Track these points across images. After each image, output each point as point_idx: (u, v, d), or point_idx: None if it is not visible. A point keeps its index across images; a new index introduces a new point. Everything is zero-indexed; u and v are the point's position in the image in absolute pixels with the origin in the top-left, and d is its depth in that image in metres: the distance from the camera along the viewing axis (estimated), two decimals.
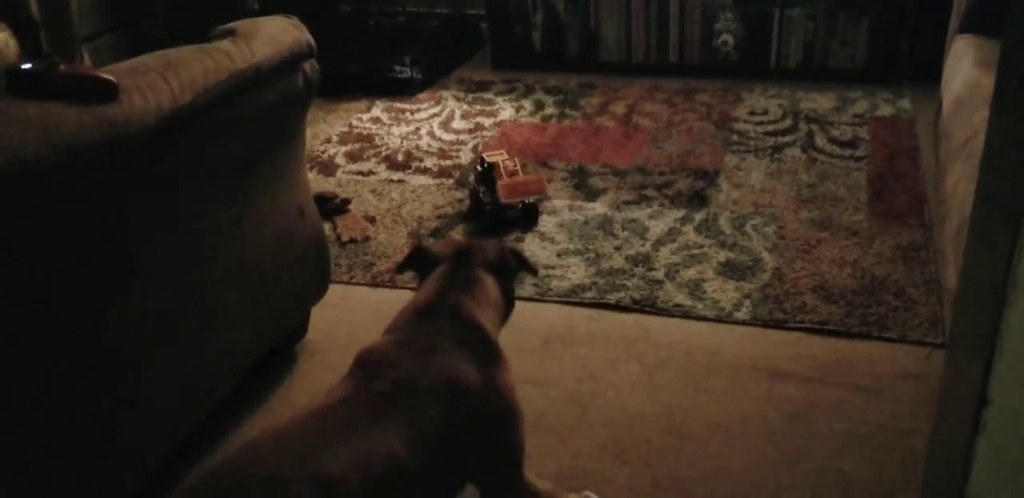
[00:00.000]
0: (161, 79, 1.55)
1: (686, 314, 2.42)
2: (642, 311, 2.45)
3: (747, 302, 2.44)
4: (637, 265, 2.64)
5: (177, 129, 1.57)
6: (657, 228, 2.84)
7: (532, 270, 1.85)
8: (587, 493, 1.83)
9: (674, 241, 2.76)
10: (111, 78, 1.46)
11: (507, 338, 2.37)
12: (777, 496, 1.83)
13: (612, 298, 2.50)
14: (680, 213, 2.92)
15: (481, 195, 2.92)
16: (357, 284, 2.64)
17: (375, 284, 2.63)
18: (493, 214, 2.88)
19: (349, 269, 2.70)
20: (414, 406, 1.43)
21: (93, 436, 1.59)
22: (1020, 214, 0.92)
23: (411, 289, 2.61)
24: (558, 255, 2.72)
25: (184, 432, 1.84)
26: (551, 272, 2.63)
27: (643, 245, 2.74)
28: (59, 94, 1.39)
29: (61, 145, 1.35)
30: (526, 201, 2.89)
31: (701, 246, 2.73)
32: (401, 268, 1.81)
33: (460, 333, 1.58)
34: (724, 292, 2.50)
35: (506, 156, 2.95)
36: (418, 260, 1.78)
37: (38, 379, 1.47)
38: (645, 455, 1.95)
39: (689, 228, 2.83)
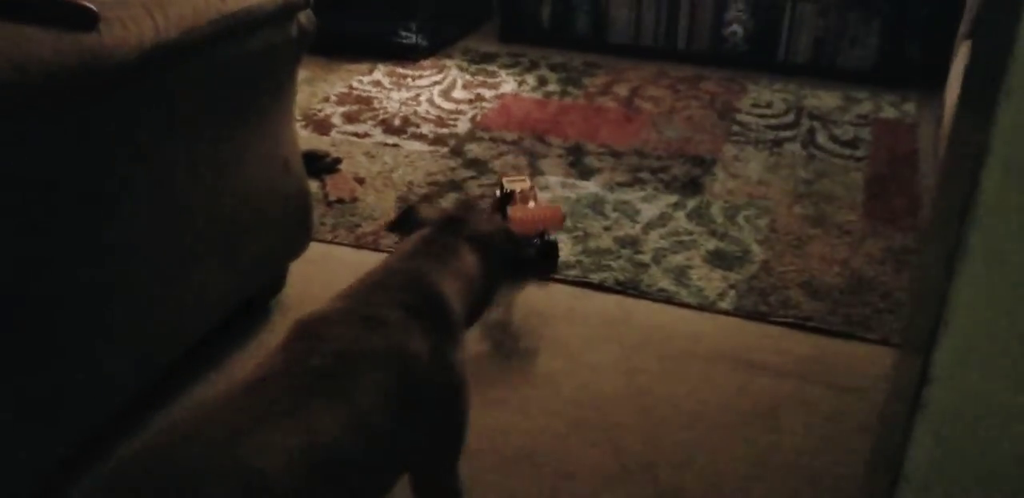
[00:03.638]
0: (147, 14, 1.50)
1: (669, 299, 2.39)
2: (625, 293, 2.41)
3: (732, 292, 2.41)
4: (624, 247, 2.61)
5: (160, 66, 1.52)
6: (648, 211, 2.80)
7: (524, 263, 1.70)
8: None
9: (664, 226, 2.72)
10: (91, 6, 1.41)
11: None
12: (744, 488, 1.81)
13: (596, 278, 2.46)
14: (673, 198, 2.88)
15: None
16: (340, 244, 2.59)
17: (358, 245, 2.59)
18: None
19: (333, 228, 2.66)
20: (354, 386, 1.28)
21: (60, 372, 1.55)
22: (965, 209, 0.91)
23: None
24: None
25: (152, 379, 1.81)
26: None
27: (633, 227, 2.71)
28: (35, 18, 1.34)
29: (34, 70, 1.30)
30: (545, 237, 2.46)
31: (691, 233, 2.69)
32: (391, 228, 1.73)
33: (418, 304, 1.42)
34: (710, 280, 2.47)
35: (528, 183, 2.55)
36: (408, 221, 1.68)
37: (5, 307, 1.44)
38: (614, 437, 1.92)
39: (681, 214, 2.79)
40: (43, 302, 1.49)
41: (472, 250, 1.58)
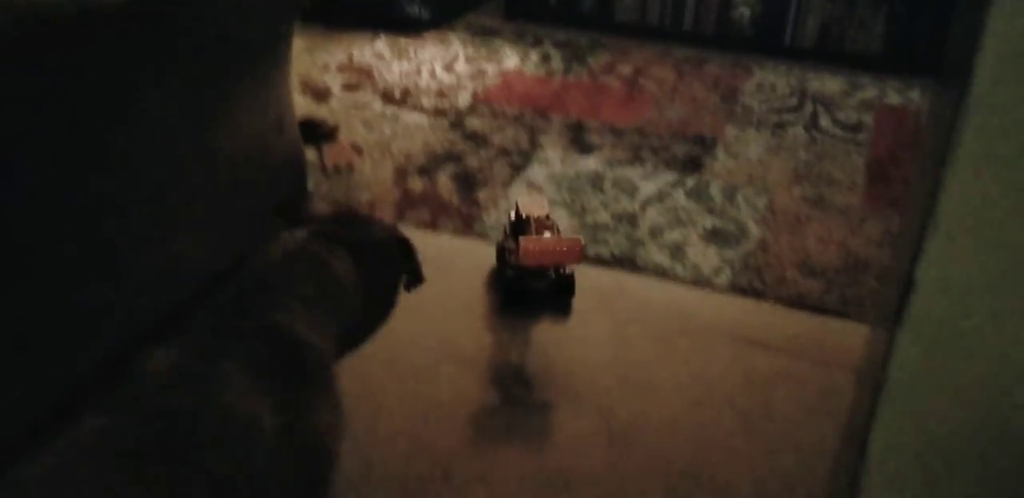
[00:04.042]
0: None
1: (664, 275, 2.38)
2: (620, 267, 2.40)
3: (727, 269, 2.40)
4: (621, 222, 2.60)
5: (154, 12, 1.50)
6: (647, 189, 2.78)
7: (418, 277, 1.49)
8: None
9: (662, 203, 2.71)
10: None
11: (479, 281, 2.34)
12: (731, 458, 1.80)
13: (591, 251, 2.45)
14: (672, 177, 2.86)
15: (508, 255, 2.21)
16: None
17: None
18: (511, 281, 2.21)
19: (329, 193, 2.64)
20: (174, 472, 0.98)
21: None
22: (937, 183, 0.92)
23: (390, 221, 2.57)
24: None
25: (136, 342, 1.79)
26: None
27: (630, 204, 2.69)
28: None
29: (27, 14, 1.28)
30: (561, 271, 2.23)
31: (689, 211, 2.68)
32: (276, 213, 1.47)
33: (264, 357, 1.12)
34: (705, 257, 2.45)
35: (546, 209, 2.23)
36: (293, 211, 1.44)
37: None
38: (603, 407, 1.91)
39: (679, 192, 2.78)
40: (33, 248, 1.47)
41: (347, 260, 1.34)
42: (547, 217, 2.18)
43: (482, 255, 2.41)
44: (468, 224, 2.55)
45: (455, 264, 2.38)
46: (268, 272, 1.23)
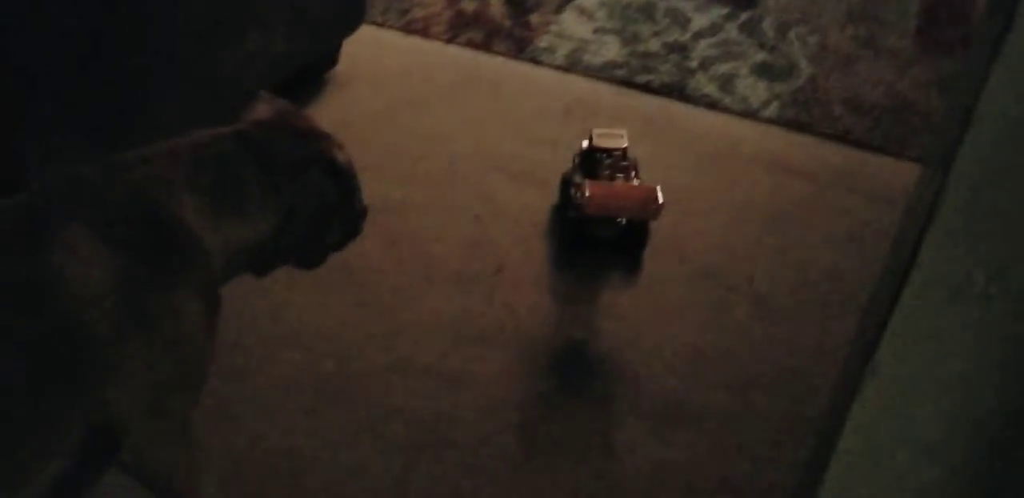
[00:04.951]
0: None
1: (712, 105, 2.42)
2: (669, 96, 2.44)
3: (776, 103, 2.44)
4: (672, 52, 2.61)
5: None
6: (700, 21, 2.78)
7: (350, 220, 1.31)
8: None
9: (714, 35, 2.72)
10: None
11: (528, 103, 2.39)
12: (765, 274, 1.90)
13: (642, 79, 2.48)
14: (726, 10, 2.85)
15: (573, 192, 1.91)
16: (390, 28, 2.60)
17: (408, 30, 2.59)
18: (575, 224, 1.91)
19: (384, 12, 2.65)
20: None
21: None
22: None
23: (444, 41, 2.60)
24: (594, 31, 2.67)
25: None
26: (585, 47, 2.60)
27: (682, 34, 2.70)
28: None
29: None
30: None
31: (740, 45, 2.69)
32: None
33: (129, 229, 1.09)
34: (755, 90, 2.49)
35: (626, 142, 1.94)
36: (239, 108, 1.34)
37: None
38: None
39: (732, 26, 2.77)
40: (121, 46, 1.53)
41: (265, 180, 1.20)
42: (624, 154, 1.92)
43: (533, 78, 2.45)
44: (520, 47, 2.58)
45: (507, 86, 2.42)
46: (161, 154, 1.17)
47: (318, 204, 1.24)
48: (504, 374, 1.67)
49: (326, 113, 2.22)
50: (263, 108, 1.29)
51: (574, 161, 1.98)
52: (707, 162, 2.21)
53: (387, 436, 1.54)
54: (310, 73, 2.27)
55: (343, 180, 1.27)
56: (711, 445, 1.58)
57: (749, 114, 2.39)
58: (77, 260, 1.04)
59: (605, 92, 2.44)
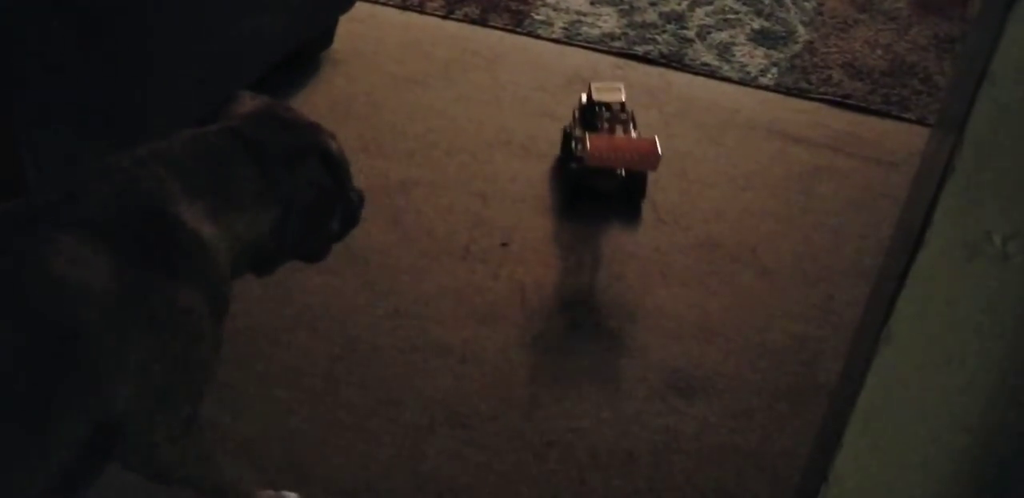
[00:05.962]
0: None
1: (712, 73, 2.41)
2: (668, 66, 2.43)
3: (774, 69, 2.43)
4: (670, 22, 2.60)
5: None
6: None
7: (349, 208, 1.31)
8: (284, 493, 1.39)
9: (711, 4, 2.70)
10: None
11: (529, 77, 2.38)
12: (769, 241, 1.91)
13: (640, 50, 2.47)
14: None
15: (574, 145, 1.97)
16: (385, 5, 2.58)
17: (404, 7, 2.58)
18: (576, 176, 1.96)
19: None
20: None
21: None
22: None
23: (441, 16, 2.58)
24: (592, 3, 2.66)
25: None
26: (583, 19, 2.58)
27: (679, 3, 2.68)
28: None
29: None
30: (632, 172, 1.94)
31: (737, 12, 2.67)
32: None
33: (124, 225, 1.09)
34: (753, 57, 2.47)
35: (623, 95, 1.98)
36: (225, 107, 1.30)
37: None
38: (650, 192, 1.99)
39: None
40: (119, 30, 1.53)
41: (252, 168, 1.19)
42: (623, 107, 1.95)
43: (532, 52, 2.44)
44: (517, 21, 2.56)
45: (505, 60, 2.41)
46: (154, 154, 1.15)
47: (316, 194, 1.22)
48: (512, 349, 1.67)
49: (324, 93, 2.22)
50: (248, 103, 1.27)
51: (574, 115, 2.02)
52: (708, 131, 2.21)
53: (397, 417, 1.54)
54: (306, 53, 2.26)
55: (338, 169, 1.26)
56: (720, 413, 1.58)
57: (748, 82, 2.39)
58: (76, 262, 1.04)
59: (604, 63, 2.43)
